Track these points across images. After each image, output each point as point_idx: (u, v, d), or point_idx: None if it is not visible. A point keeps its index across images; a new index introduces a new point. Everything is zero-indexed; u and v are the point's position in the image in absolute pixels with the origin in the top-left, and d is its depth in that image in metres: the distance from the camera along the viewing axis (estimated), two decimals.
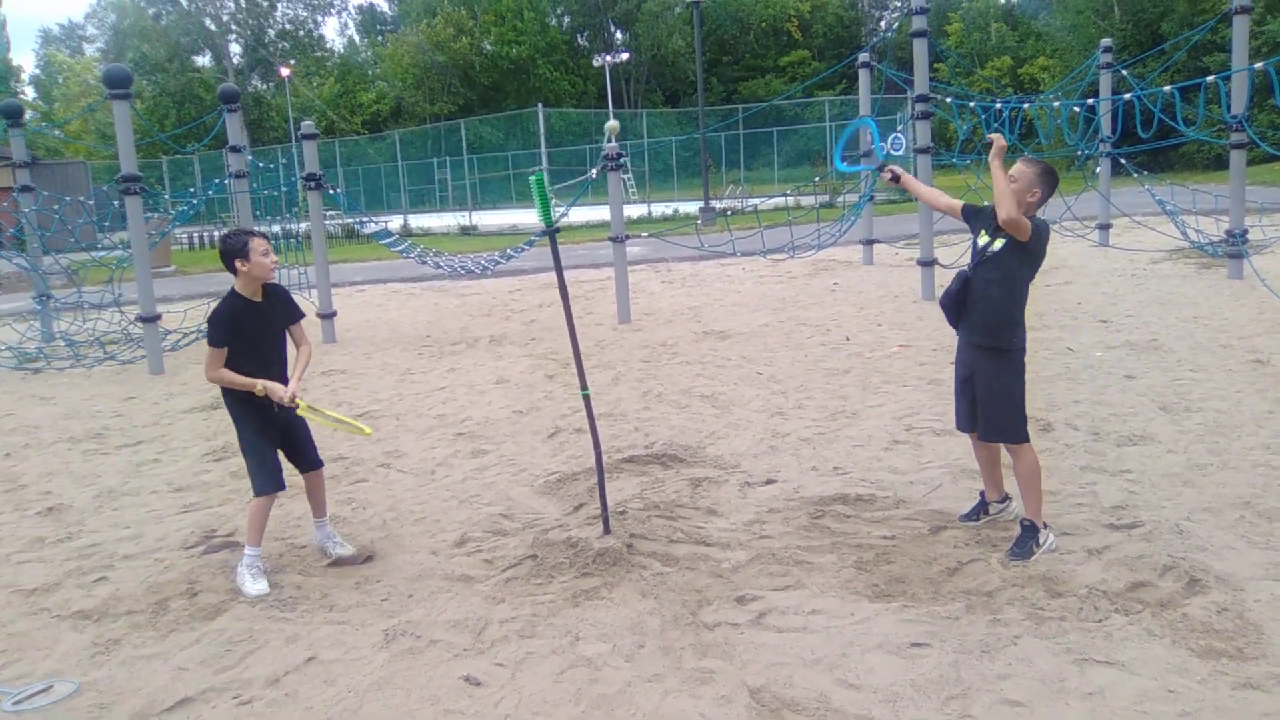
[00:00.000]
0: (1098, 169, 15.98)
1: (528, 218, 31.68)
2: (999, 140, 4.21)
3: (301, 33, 64.83)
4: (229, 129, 12.69)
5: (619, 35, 60.92)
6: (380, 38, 65.13)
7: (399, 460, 6.43)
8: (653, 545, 4.58)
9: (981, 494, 4.67)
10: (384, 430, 7.24)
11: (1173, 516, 4.54)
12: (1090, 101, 13.65)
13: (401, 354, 10.54)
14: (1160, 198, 14.76)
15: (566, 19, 60.90)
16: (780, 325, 10.60)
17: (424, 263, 13.73)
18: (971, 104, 13.86)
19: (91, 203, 13.00)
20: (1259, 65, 10.55)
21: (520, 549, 4.68)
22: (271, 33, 63.97)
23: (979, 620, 3.68)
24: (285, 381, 4.46)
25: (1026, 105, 13.95)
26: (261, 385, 4.36)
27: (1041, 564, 4.10)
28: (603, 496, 4.79)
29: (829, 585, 4.06)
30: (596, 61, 55.95)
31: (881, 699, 3.21)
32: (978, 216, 4.42)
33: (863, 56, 15.69)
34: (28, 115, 15.43)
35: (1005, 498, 4.63)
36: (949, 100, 14.48)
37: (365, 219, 16.09)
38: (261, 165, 13.87)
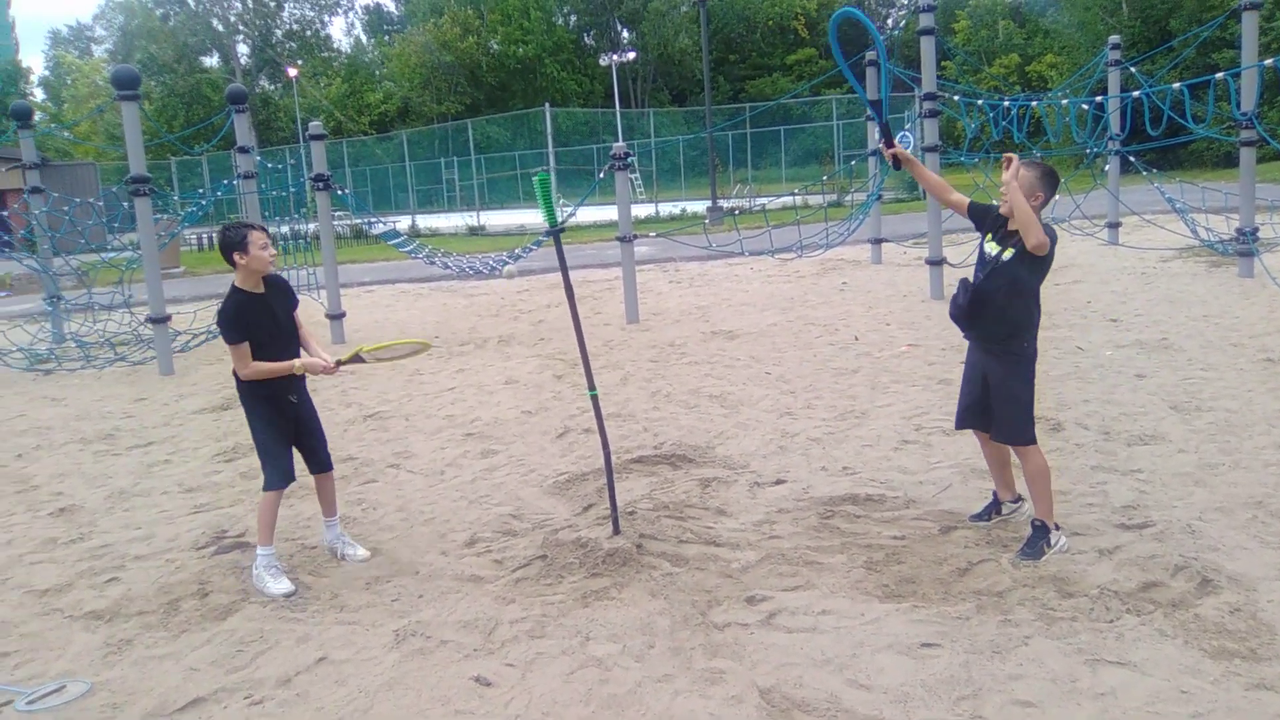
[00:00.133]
0: (1106, 167, 15.90)
1: (536, 218, 31.67)
2: (1016, 162, 4.08)
3: (308, 33, 65.01)
4: (237, 130, 12.75)
5: (626, 34, 60.89)
6: (387, 38, 65.23)
7: (408, 461, 6.45)
8: (662, 545, 4.59)
9: (994, 494, 4.66)
10: (393, 431, 7.26)
11: (1184, 516, 4.53)
12: (1099, 99, 13.62)
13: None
14: (1170, 196, 14.69)
15: (573, 18, 60.90)
16: (789, 325, 10.58)
17: (432, 263, 13.76)
18: (979, 102, 13.82)
19: (101, 204, 13.07)
20: (1269, 62, 10.52)
21: (530, 549, 4.69)
22: (279, 33, 64.19)
23: (990, 620, 3.67)
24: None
25: (1035, 103, 13.91)
26: (300, 364, 4.45)
27: (1052, 564, 4.09)
28: (612, 497, 4.79)
29: (839, 585, 4.06)
30: (603, 61, 55.98)
31: (892, 699, 3.20)
32: (985, 217, 4.39)
33: (870, 55, 15.66)
34: (37, 117, 15.51)
35: (1018, 498, 4.62)
36: (956, 98, 14.44)
37: (373, 219, 16.14)
38: (270, 166, 13.93)
